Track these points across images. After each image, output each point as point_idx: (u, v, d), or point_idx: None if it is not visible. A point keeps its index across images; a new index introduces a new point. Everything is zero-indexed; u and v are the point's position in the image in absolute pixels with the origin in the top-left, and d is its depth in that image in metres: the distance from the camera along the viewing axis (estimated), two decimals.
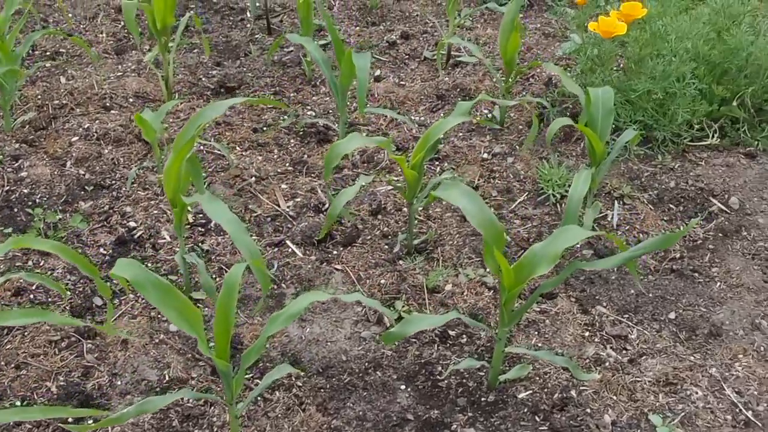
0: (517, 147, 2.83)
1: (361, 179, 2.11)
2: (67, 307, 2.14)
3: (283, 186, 2.63)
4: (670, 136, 2.86)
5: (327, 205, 2.51)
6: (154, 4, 2.74)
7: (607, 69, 2.85)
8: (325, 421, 1.84)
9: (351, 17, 3.77)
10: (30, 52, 3.43)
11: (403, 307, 2.15)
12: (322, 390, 1.92)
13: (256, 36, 3.59)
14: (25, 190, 2.57)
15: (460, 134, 2.90)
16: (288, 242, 2.39)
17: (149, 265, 2.31)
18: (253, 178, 2.65)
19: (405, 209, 2.48)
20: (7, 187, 2.57)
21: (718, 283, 2.31)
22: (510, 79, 2.82)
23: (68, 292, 2.19)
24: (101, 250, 2.35)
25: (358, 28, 3.67)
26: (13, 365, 1.96)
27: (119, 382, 1.92)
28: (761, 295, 2.27)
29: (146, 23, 3.13)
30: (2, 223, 2.43)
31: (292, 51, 3.43)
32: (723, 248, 2.45)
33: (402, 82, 3.21)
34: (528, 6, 3.88)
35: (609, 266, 1.77)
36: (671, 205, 2.62)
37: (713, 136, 2.90)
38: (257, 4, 3.75)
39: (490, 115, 3.02)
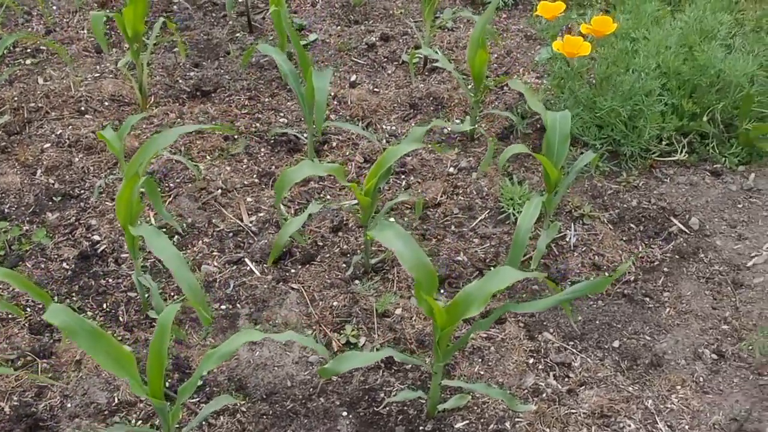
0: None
1: (311, 207, 2.14)
2: (26, 324, 2.21)
3: (249, 199, 2.67)
4: (639, 151, 2.87)
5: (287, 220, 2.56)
6: (124, 14, 2.76)
7: (576, 84, 2.84)
8: None
9: (333, 15, 3.76)
10: (11, 48, 3.46)
11: (352, 331, 2.21)
12: (264, 417, 1.98)
13: (237, 35, 3.60)
14: None
15: (429, 146, 2.92)
16: (247, 260, 2.44)
17: (110, 280, 2.37)
18: (219, 191, 2.69)
19: (376, 216, 2.51)
20: None
21: (668, 309, 2.34)
22: (479, 92, 2.83)
23: (27, 309, 2.25)
24: (64, 264, 2.41)
25: (339, 27, 3.66)
26: None
27: (69, 405, 1.99)
28: (708, 323, 2.30)
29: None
30: None
31: None
32: (678, 271, 2.48)
33: (376, 89, 3.22)
34: (513, 5, 3.85)
35: (539, 309, 1.80)
36: (632, 225, 2.64)
37: (681, 152, 2.90)
38: (238, 0, 3.74)
39: (461, 124, 3.03)
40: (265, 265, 2.42)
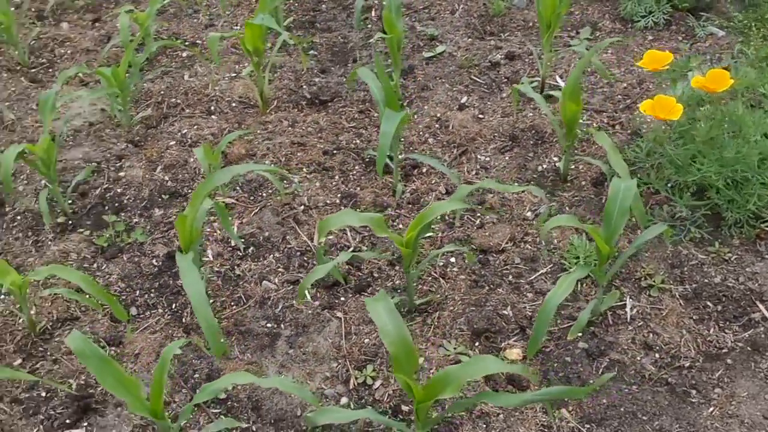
0: (569, 208, 2.75)
1: (341, 256, 2.25)
2: (109, 313, 2.57)
3: None
4: (746, 218, 2.61)
5: (351, 248, 2.69)
6: (245, 35, 3.00)
7: (672, 144, 2.63)
8: None
9: (469, 24, 3.73)
10: (174, 40, 3.84)
11: (372, 371, 2.31)
12: None
13: (370, 40, 3.71)
14: (119, 190, 3.02)
15: (516, 184, 2.87)
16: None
17: None
18: (302, 207, 2.87)
19: (424, 261, 2.57)
20: (106, 185, 3.04)
21: (712, 408, 2.17)
22: (569, 140, 2.72)
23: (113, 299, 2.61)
24: (153, 261, 2.74)
25: (470, 39, 3.64)
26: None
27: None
28: None
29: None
30: (88, 221, 2.88)
31: None
32: (743, 365, 2.27)
33: (481, 115, 3.19)
34: (664, 25, 3.56)
35: (512, 404, 1.79)
36: (708, 303, 2.44)
37: None
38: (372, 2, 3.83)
39: (558, 164, 2.94)
40: (316, 288, 2.58)
